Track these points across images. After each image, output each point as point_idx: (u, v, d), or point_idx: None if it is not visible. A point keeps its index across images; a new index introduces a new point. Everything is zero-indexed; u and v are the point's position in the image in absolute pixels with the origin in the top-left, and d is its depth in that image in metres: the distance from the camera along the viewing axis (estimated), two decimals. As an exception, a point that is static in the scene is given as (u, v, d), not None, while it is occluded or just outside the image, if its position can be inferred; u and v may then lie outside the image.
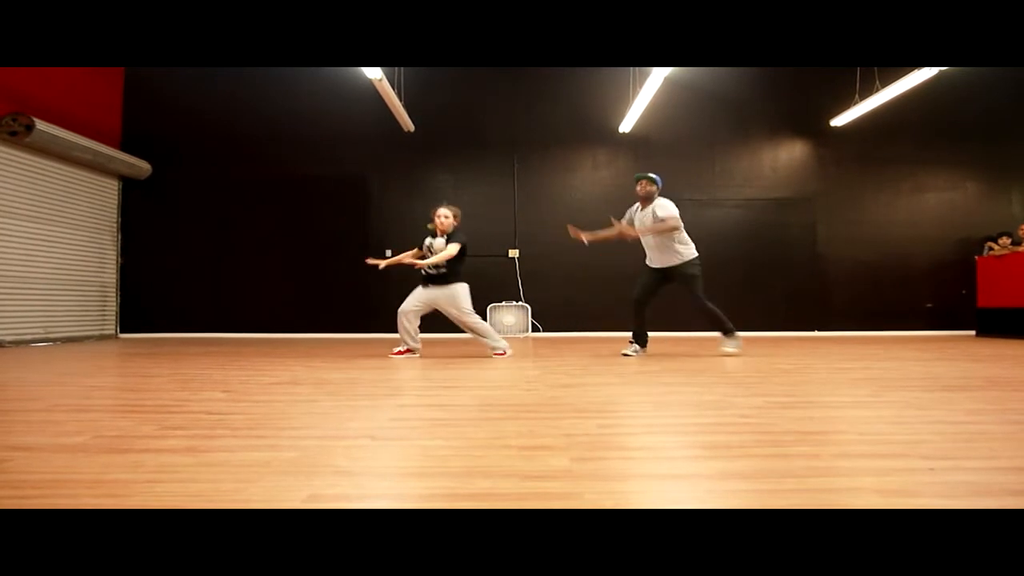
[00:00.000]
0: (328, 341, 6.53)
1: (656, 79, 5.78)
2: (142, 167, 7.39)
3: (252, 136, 7.59)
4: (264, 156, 7.60)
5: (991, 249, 7.03)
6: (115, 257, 7.47)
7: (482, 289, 7.25)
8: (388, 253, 6.66)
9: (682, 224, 4.27)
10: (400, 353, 4.33)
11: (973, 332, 7.16)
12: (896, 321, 7.52)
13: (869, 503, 1.12)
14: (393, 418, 1.99)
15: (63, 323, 6.63)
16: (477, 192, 7.61)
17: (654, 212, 4.26)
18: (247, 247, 7.57)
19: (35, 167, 6.25)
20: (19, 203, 6.08)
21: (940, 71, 6.03)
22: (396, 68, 6.84)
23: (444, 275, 4.25)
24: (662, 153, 7.63)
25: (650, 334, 4.60)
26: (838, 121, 7.20)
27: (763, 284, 7.52)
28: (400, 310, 4.29)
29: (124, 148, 7.43)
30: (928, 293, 7.58)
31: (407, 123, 7.13)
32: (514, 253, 7.57)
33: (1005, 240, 6.92)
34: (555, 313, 7.50)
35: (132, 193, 7.54)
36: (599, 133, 7.66)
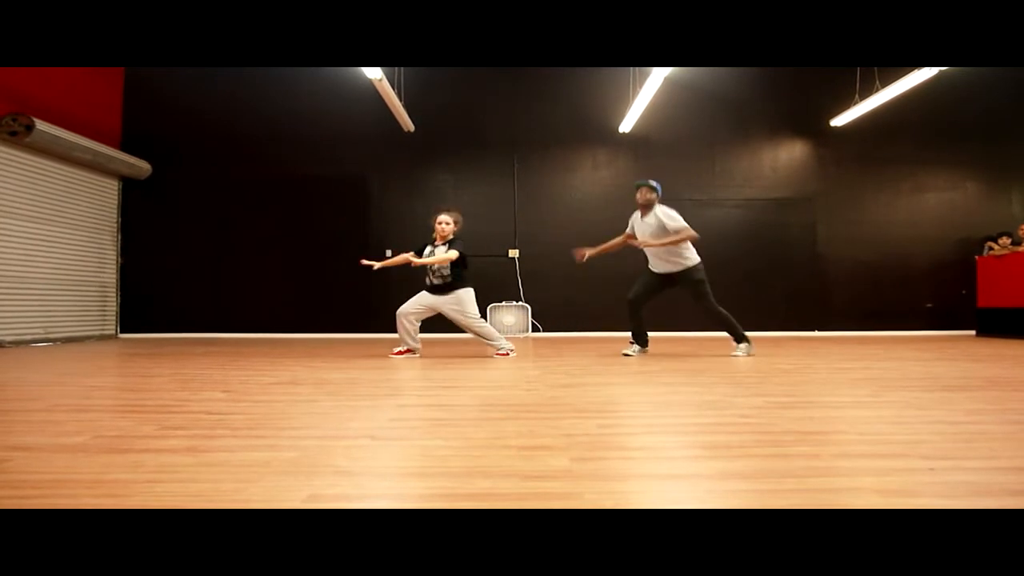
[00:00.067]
0: (328, 341, 6.54)
1: (656, 79, 5.79)
2: (142, 167, 7.39)
3: (252, 136, 7.59)
4: (264, 156, 7.60)
5: (991, 249, 7.03)
6: (115, 257, 7.47)
7: (482, 289, 7.22)
8: (388, 253, 6.67)
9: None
10: (400, 353, 4.33)
11: (973, 332, 7.16)
12: (896, 321, 7.53)
13: (869, 503, 1.12)
14: (393, 418, 1.99)
15: (63, 323, 6.63)
16: (477, 192, 7.61)
17: (662, 223, 4.21)
18: (247, 247, 7.57)
19: (35, 167, 6.25)
20: (19, 203, 6.08)
21: (940, 71, 6.03)
22: (396, 68, 6.84)
23: (450, 284, 4.23)
24: (662, 153, 7.63)
25: (650, 334, 4.60)
26: (838, 121, 7.20)
27: (763, 284, 7.52)
28: (399, 311, 4.27)
29: (124, 148, 7.43)
30: (928, 293, 7.58)
31: (407, 123, 7.13)
32: (514, 253, 7.57)
33: (1005, 240, 6.92)
34: (555, 313, 7.50)
35: (132, 193, 7.54)
36: (599, 133, 7.66)
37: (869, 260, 7.58)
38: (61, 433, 1.72)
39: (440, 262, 4.16)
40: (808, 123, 7.66)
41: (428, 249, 4.29)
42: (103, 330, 7.28)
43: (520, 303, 7.43)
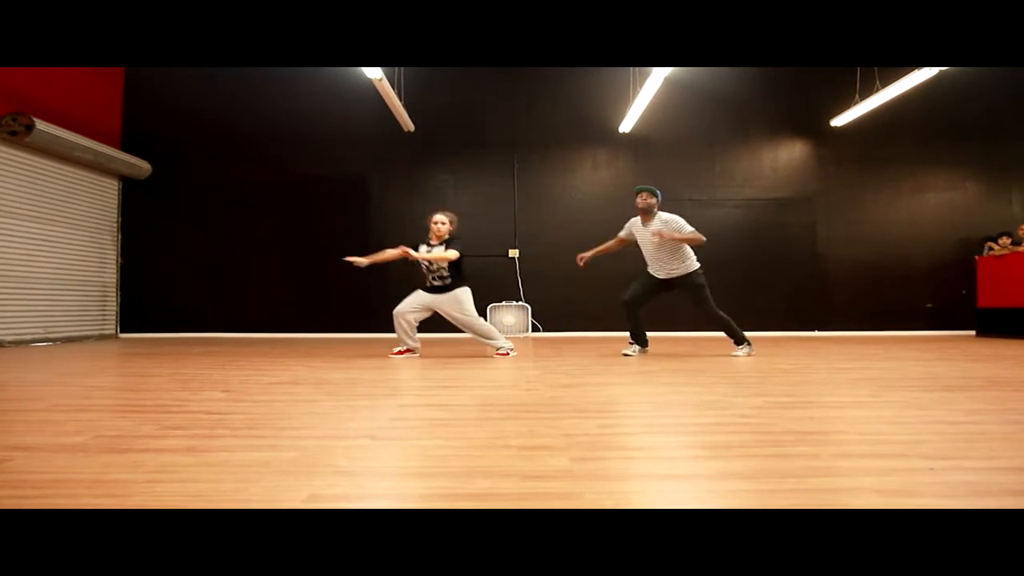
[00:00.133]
0: (328, 341, 6.54)
1: (656, 79, 5.78)
2: (142, 167, 7.39)
3: (252, 136, 7.59)
4: (264, 156, 7.60)
5: (991, 249, 7.03)
6: (115, 257, 7.47)
7: (482, 289, 7.24)
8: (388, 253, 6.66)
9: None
10: (400, 353, 4.33)
11: (973, 332, 7.16)
12: (896, 321, 7.53)
13: (869, 503, 1.12)
14: (393, 418, 1.99)
15: (63, 323, 6.63)
16: (477, 192, 7.62)
17: (670, 228, 4.21)
18: (247, 247, 7.57)
19: (35, 167, 6.25)
20: (19, 203, 6.08)
21: (940, 71, 6.03)
22: (396, 68, 6.84)
23: (449, 284, 4.22)
24: (662, 153, 7.63)
25: (650, 334, 4.60)
26: (838, 121, 7.20)
27: (763, 284, 7.52)
28: (396, 311, 4.25)
29: (124, 148, 7.43)
30: (928, 293, 7.58)
31: (407, 123, 7.13)
32: (514, 253, 7.57)
33: (1005, 240, 6.92)
34: (555, 313, 7.50)
35: (132, 193, 7.54)
36: (599, 133, 7.66)
37: (869, 260, 7.58)
38: (61, 433, 1.72)
39: (440, 259, 4.14)
40: (808, 123, 7.66)
41: (424, 248, 4.28)
42: (103, 330, 7.28)
43: (520, 303, 7.43)
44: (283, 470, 1.34)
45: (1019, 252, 6.56)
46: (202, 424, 1.87)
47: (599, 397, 2.44)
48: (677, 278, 4.29)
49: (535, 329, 7.47)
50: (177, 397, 2.43)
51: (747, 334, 4.38)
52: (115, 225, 7.47)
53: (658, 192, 4.32)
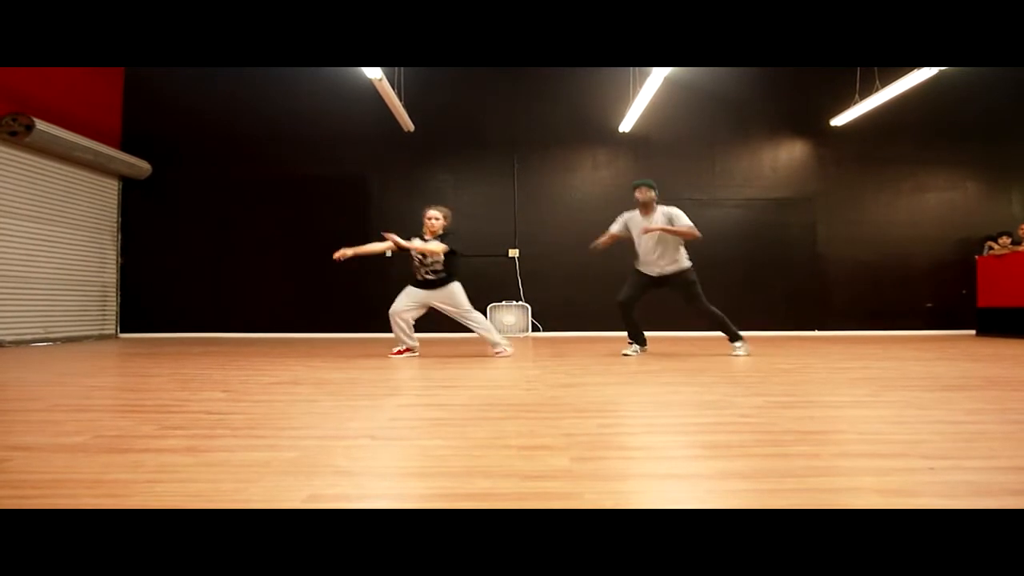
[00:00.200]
0: (328, 341, 6.54)
1: (656, 79, 5.78)
2: (142, 167, 7.39)
3: (252, 136, 7.59)
4: (264, 156, 7.60)
5: (991, 249, 7.03)
6: (115, 257, 7.47)
7: (482, 289, 7.27)
8: (388, 254, 6.64)
9: None
10: (399, 353, 4.33)
11: (973, 332, 7.16)
12: (896, 321, 7.53)
13: (869, 503, 1.12)
14: (393, 418, 1.99)
15: (63, 323, 6.63)
16: (477, 192, 7.62)
17: (671, 219, 4.23)
18: (247, 247, 7.57)
19: (35, 167, 6.25)
20: (19, 203, 6.07)
21: (940, 71, 6.03)
22: (396, 68, 6.84)
23: (442, 278, 4.23)
24: (662, 153, 7.63)
25: (651, 334, 4.59)
26: (838, 121, 7.20)
27: (763, 284, 7.52)
28: (392, 311, 4.26)
29: (124, 148, 7.43)
30: (928, 293, 7.58)
31: (407, 123, 7.13)
32: (514, 253, 7.57)
33: (1005, 240, 6.92)
34: (555, 313, 7.50)
35: (132, 193, 7.54)
36: (599, 133, 7.66)
37: (869, 260, 7.58)
38: (61, 433, 1.72)
39: (430, 251, 4.14)
40: (808, 123, 7.66)
41: (418, 242, 4.28)
42: (103, 330, 7.28)
43: (520, 303, 7.43)
44: (283, 470, 1.34)
45: (1019, 252, 6.56)
46: (202, 424, 1.87)
47: (599, 397, 2.44)
48: (670, 275, 4.31)
49: (535, 329, 7.47)
50: (177, 397, 2.43)
51: (747, 334, 4.39)
52: (115, 225, 7.47)
53: (655, 187, 4.35)
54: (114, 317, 7.46)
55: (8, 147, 5.90)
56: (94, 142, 6.63)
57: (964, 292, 7.30)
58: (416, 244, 4.18)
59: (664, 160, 7.57)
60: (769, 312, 7.45)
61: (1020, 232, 6.86)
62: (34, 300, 6.24)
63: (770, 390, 2.57)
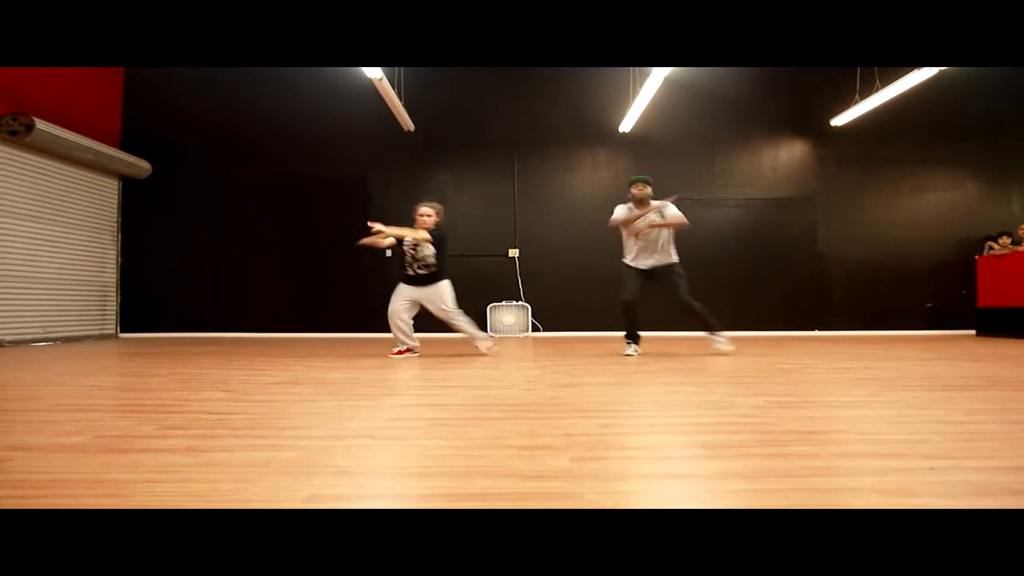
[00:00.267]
0: (328, 341, 6.54)
1: (656, 79, 5.79)
2: (142, 167, 7.39)
3: (252, 136, 7.59)
4: (264, 156, 7.60)
5: (991, 249, 7.03)
6: (115, 257, 7.47)
7: (482, 289, 7.28)
8: (388, 254, 6.64)
9: None
10: (399, 353, 4.33)
11: (973, 332, 7.16)
12: (896, 321, 7.53)
13: (869, 503, 1.12)
14: (393, 418, 1.99)
15: (63, 323, 6.63)
16: (477, 192, 7.62)
17: (662, 213, 4.31)
18: (247, 247, 7.57)
19: (35, 167, 6.25)
20: (19, 203, 6.08)
21: (940, 71, 6.03)
22: (396, 68, 6.84)
23: (433, 274, 4.25)
24: (662, 153, 7.63)
25: (650, 334, 4.60)
26: (838, 121, 7.20)
27: (763, 284, 7.51)
28: (390, 312, 4.29)
29: (124, 148, 7.43)
30: (928, 293, 7.58)
31: (407, 123, 7.13)
32: (514, 253, 7.57)
33: (1005, 240, 6.92)
34: (555, 313, 7.50)
35: (132, 193, 7.54)
36: (599, 133, 7.66)
37: (869, 260, 7.58)
38: (61, 433, 1.72)
39: (417, 237, 4.18)
40: (808, 123, 7.66)
41: (410, 239, 4.30)
42: (103, 330, 7.28)
43: (520, 303, 7.43)
44: (283, 470, 1.34)
45: (1019, 252, 6.56)
46: (202, 424, 1.87)
47: (599, 397, 2.44)
48: (661, 268, 4.35)
49: (535, 329, 7.47)
50: (177, 397, 2.43)
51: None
52: (115, 225, 7.47)
53: (651, 181, 4.45)
54: (114, 317, 7.46)
55: (8, 147, 5.90)
56: (94, 142, 6.63)
57: (964, 292, 7.30)
58: (405, 230, 4.23)
59: (664, 160, 7.57)
60: (769, 312, 7.45)
61: (1020, 232, 6.86)
62: (34, 300, 6.24)
63: (770, 390, 2.57)
